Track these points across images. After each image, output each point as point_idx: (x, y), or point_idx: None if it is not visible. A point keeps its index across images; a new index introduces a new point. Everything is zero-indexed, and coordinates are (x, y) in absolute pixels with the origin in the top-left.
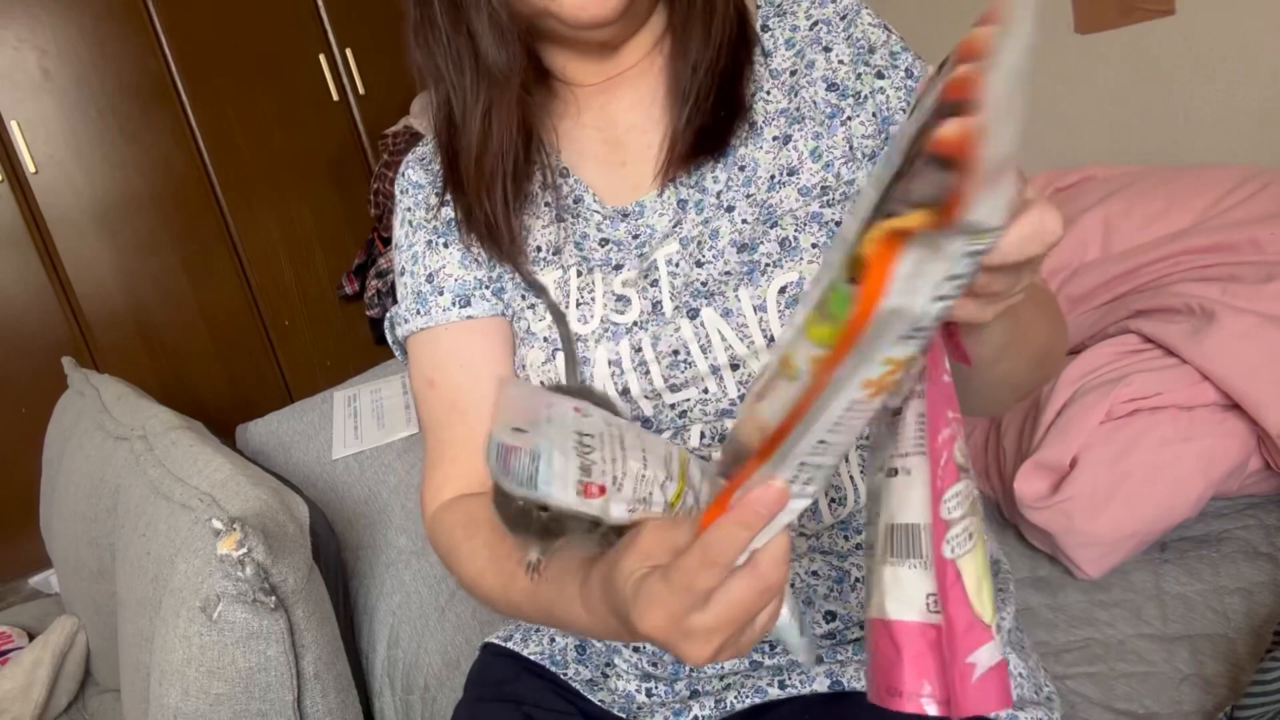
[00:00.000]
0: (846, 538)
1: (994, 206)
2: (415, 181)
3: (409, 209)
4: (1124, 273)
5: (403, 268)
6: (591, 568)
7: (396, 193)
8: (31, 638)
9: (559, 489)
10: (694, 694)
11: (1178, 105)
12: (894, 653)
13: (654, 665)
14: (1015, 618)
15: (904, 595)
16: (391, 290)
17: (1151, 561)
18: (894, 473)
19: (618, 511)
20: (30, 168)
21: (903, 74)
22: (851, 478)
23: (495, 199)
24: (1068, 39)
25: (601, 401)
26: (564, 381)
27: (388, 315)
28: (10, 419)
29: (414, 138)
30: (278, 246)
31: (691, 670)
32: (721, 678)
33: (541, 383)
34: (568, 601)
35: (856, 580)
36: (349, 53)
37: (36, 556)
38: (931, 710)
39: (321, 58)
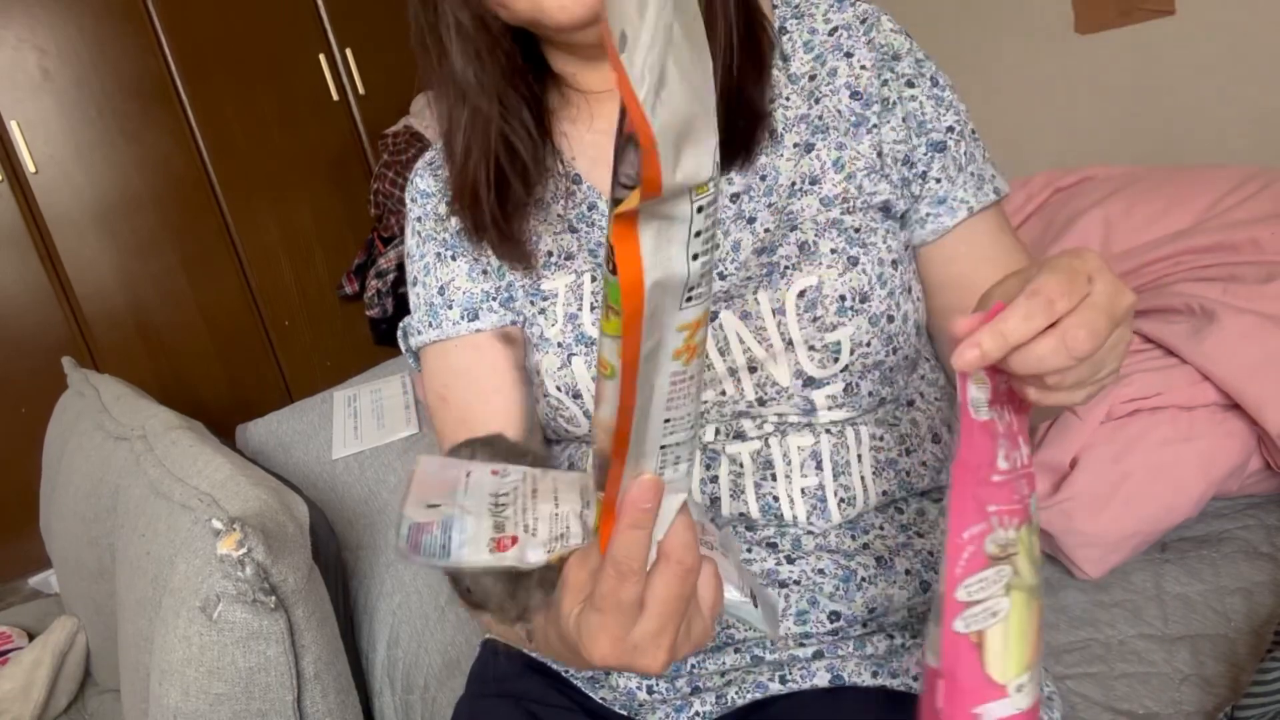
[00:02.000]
0: (854, 537)
1: (697, 161)
2: (424, 190)
3: (419, 219)
4: (1124, 273)
5: (415, 278)
6: (545, 617)
7: (407, 200)
8: (31, 638)
9: (471, 552)
10: (695, 690)
11: (1178, 105)
12: (927, 693)
13: None
14: None
15: (933, 648)
16: (392, 290)
17: (1152, 562)
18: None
19: (534, 556)
20: (30, 168)
21: (929, 82)
22: (863, 478)
23: (483, 210)
24: (1068, 39)
25: (520, 452)
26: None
27: (401, 324)
28: (10, 419)
29: (414, 138)
30: (278, 246)
31: (692, 668)
32: (723, 674)
33: (463, 443)
34: (546, 646)
35: (863, 580)
36: (349, 53)
37: (36, 556)
38: None
39: (321, 58)
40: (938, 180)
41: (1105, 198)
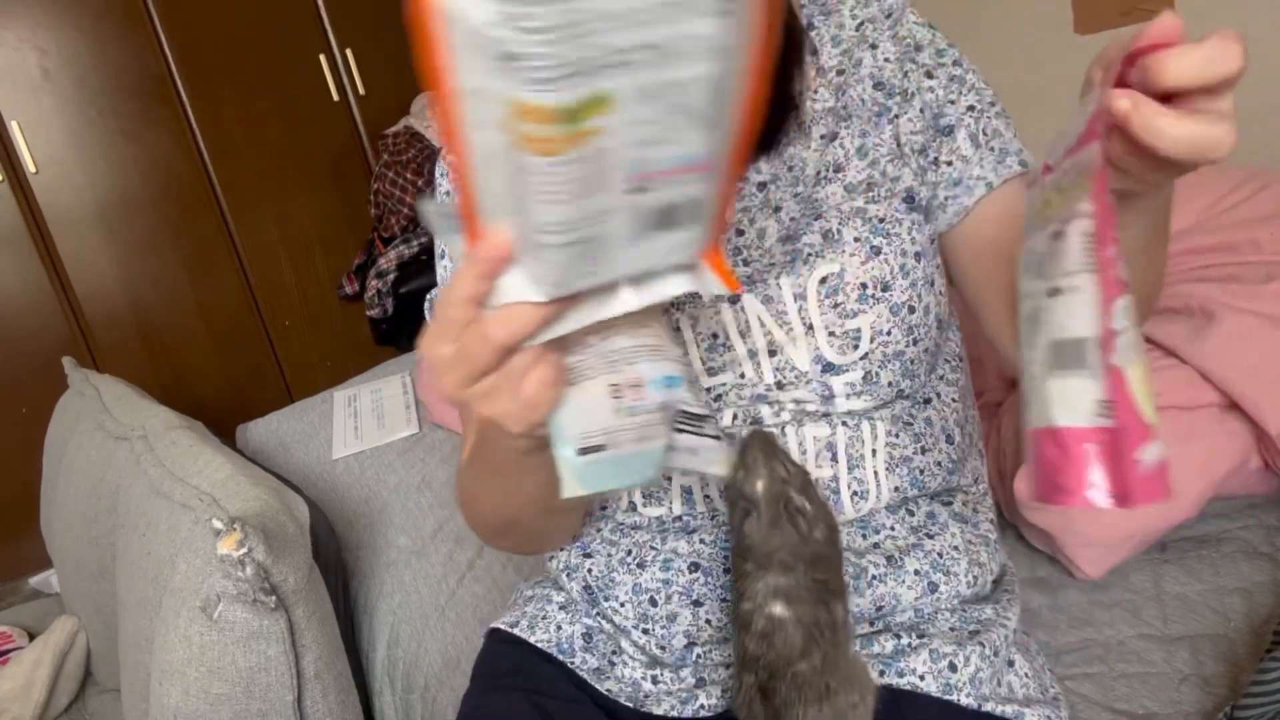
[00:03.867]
0: (864, 536)
1: None
2: (448, 190)
3: (447, 192)
4: None
5: (442, 250)
6: None
7: (437, 175)
8: (31, 638)
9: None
10: (700, 682)
11: None
12: (1061, 456)
13: (661, 649)
14: (1019, 618)
15: (1072, 403)
16: (392, 290)
17: (1151, 562)
18: (1057, 292)
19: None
20: (30, 168)
21: (950, 67)
22: (875, 473)
23: None
24: (1068, 39)
25: None
26: None
27: (429, 295)
28: (10, 419)
29: (414, 138)
30: (278, 246)
31: (698, 657)
32: (728, 665)
33: None
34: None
35: (873, 578)
36: (349, 53)
37: (36, 556)
38: (1101, 501)
39: (321, 58)
40: (949, 163)
41: None
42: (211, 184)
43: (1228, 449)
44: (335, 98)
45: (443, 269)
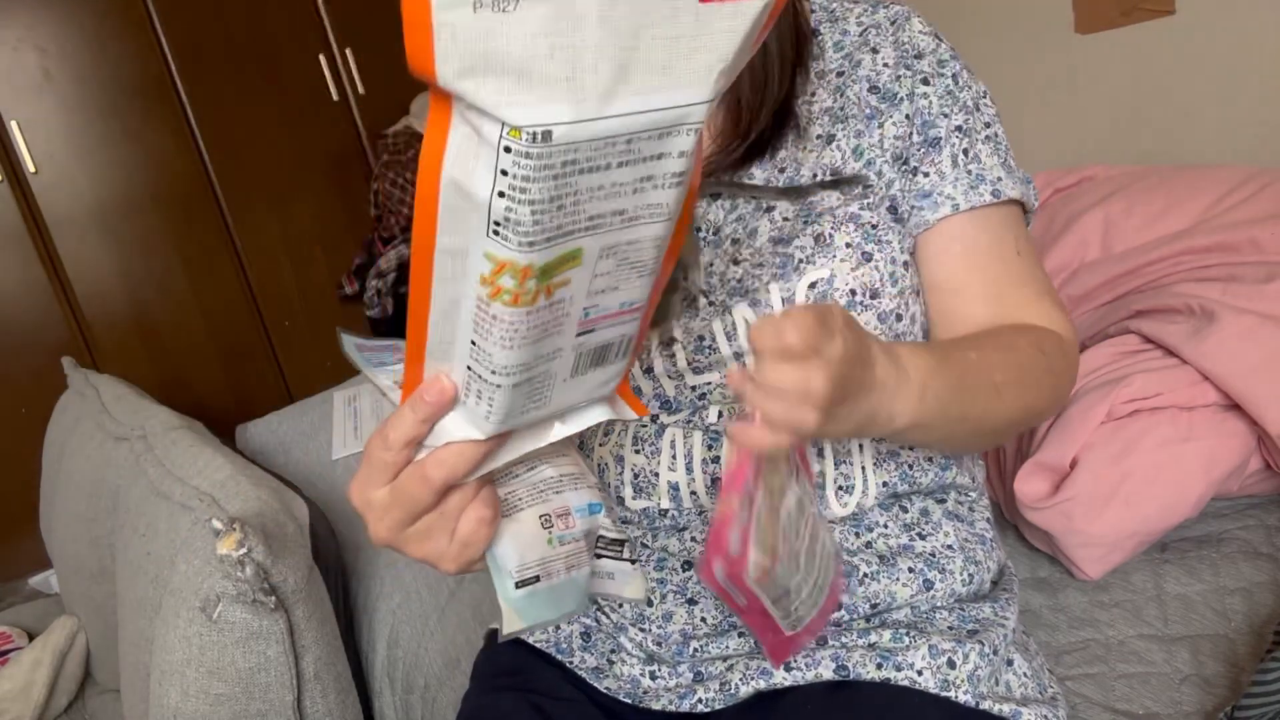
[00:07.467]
0: (857, 534)
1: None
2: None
3: None
4: (1124, 273)
5: None
6: None
7: None
8: (31, 638)
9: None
10: (697, 677)
11: (1178, 105)
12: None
13: (658, 645)
14: (1018, 618)
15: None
16: (392, 290)
17: (1152, 562)
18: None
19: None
20: (30, 168)
21: (949, 81)
22: (863, 468)
23: None
24: (1068, 39)
25: None
26: None
27: None
28: (10, 419)
29: (414, 138)
30: (278, 246)
31: (695, 651)
32: (725, 659)
33: None
34: None
35: (865, 575)
36: (349, 53)
37: (36, 556)
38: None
39: (321, 58)
40: (926, 175)
41: (1105, 198)
42: (211, 184)
43: (1228, 449)
44: (335, 98)
45: None
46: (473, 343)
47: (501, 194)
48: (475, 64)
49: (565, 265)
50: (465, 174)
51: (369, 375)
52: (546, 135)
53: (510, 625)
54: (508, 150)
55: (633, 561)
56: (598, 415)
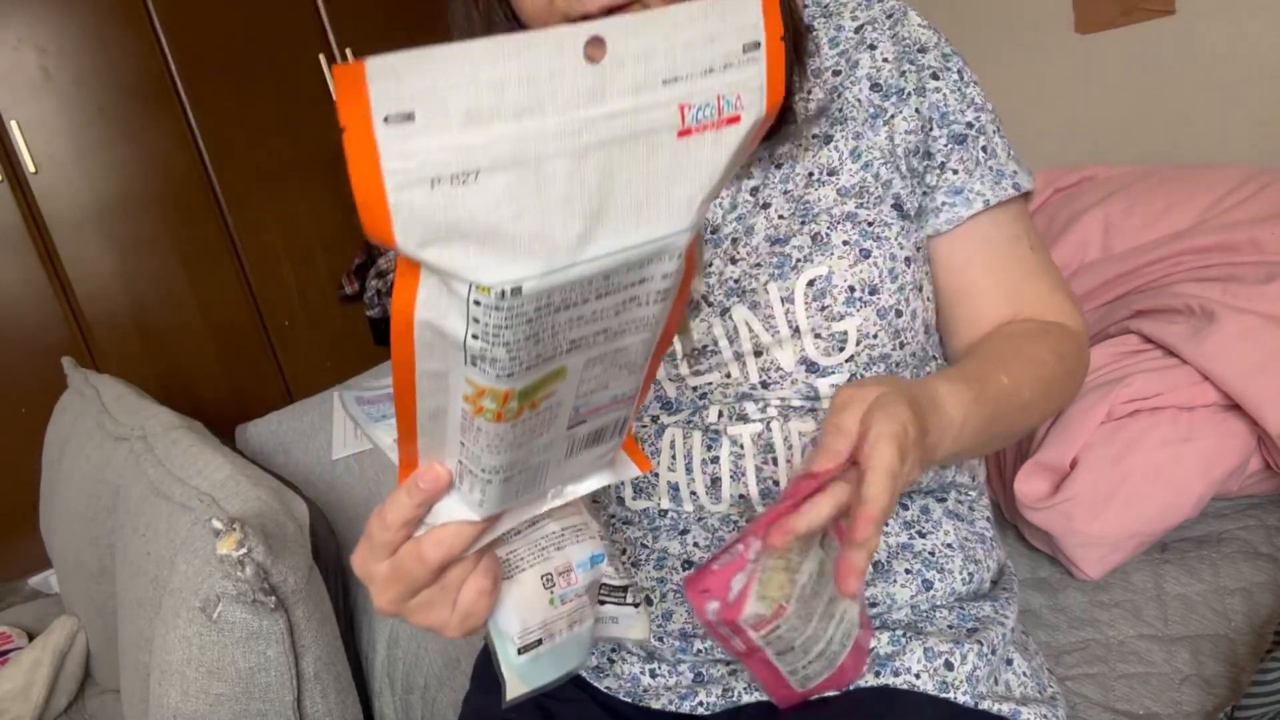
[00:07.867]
0: None
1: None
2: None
3: None
4: (1124, 273)
5: None
6: None
7: None
8: (31, 638)
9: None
10: (699, 679)
11: (1178, 105)
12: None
13: (659, 640)
14: (1018, 618)
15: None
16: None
17: (1152, 562)
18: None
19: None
20: (30, 168)
21: (956, 76)
22: None
23: None
24: (1068, 39)
25: None
26: None
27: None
28: (10, 419)
29: None
30: (278, 246)
31: (698, 653)
32: (728, 663)
33: None
34: None
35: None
36: (349, 53)
37: (36, 556)
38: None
39: (321, 58)
40: (955, 171)
41: (1105, 198)
42: (211, 184)
43: (1228, 449)
44: (335, 97)
45: None
46: (461, 443)
47: (475, 336)
48: (437, 235)
49: (549, 383)
50: (438, 317)
51: (368, 433)
52: (516, 290)
53: (514, 691)
54: (477, 303)
55: (636, 605)
56: (599, 481)
